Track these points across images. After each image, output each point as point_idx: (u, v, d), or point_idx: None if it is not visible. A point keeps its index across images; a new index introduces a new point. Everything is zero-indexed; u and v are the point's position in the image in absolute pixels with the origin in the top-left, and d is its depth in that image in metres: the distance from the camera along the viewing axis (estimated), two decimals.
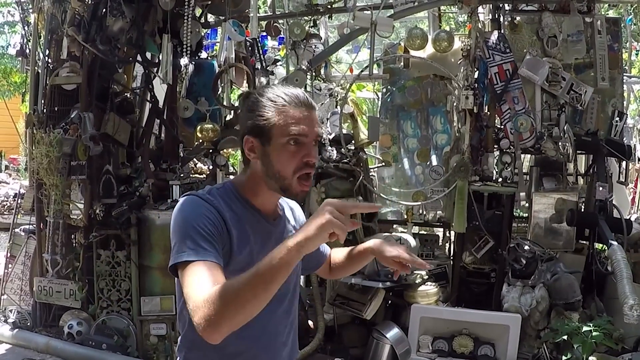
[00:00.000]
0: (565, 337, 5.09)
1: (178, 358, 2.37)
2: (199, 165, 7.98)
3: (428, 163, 7.66)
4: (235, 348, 2.24)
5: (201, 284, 1.92)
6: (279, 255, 1.82)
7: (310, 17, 6.90)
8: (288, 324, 2.41)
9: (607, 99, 6.49)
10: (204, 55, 7.79)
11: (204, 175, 7.47)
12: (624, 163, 6.46)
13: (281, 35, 7.66)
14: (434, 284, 5.97)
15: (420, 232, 7.30)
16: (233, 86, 7.28)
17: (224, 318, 1.84)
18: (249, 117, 2.21)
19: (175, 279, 2.12)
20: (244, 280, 1.84)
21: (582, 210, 6.09)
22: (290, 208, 2.54)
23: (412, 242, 6.17)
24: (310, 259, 2.48)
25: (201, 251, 1.99)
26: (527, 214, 6.47)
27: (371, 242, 2.52)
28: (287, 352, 2.43)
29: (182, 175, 6.54)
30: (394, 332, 5.61)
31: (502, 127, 6.27)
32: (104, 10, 6.29)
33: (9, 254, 7.10)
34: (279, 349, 2.38)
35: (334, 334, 5.98)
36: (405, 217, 6.81)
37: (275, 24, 7.57)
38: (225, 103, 6.73)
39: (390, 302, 6.09)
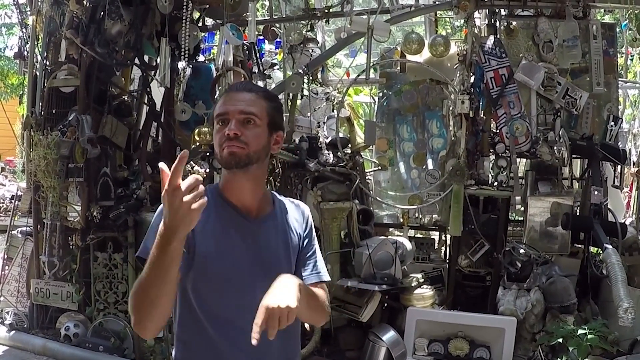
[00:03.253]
0: (560, 340, 5.11)
1: (173, 356, 2.43)
2: (196, 168, 7.97)
3: (424, 167, 7.70)
4: (218, 344, 2.29)
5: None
6: (156, 245, 1.94)
7: (307, 21, 6.92)
8: None
9: (602, 103, 6.52)
10: (201, 58, 7.81)
11: (201, 179, 7.47)
12: (619, 167, 6.46)
13: (278, 39, 7.69)
14: (429, 287, 5.98)
15: (416, 236, 7.33)
16: None
17: (139, 312, 2.02)
18: None
19: None
20: (143, 273, 1.99)
21: (577, 214, 6.12)
22: (299, 211, 2.56)
23: (408, 245, 6.19)
24: (297, 264, 2.50)
25: (147, 249, 2.08)
26: (522, 218, 6.49)
27: None
28: (282, 354, 2.42)
29: None
30: (390, 335, 5.62)
31: (498, 131, 6.30)
32: (102, 13, 6.31)
33: (5, 256, 7.11)
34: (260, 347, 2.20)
35: (330, 336, 5.99)
36: (401, 220, 6.83)
37: (272, 28, 7.60)
38: None
39: (386, 305, 6.10)
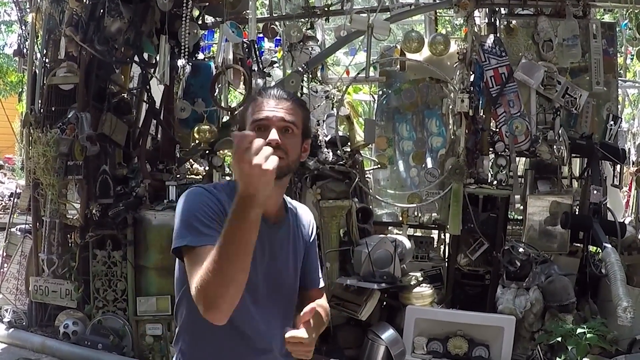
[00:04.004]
0: (559, 339, 5.12)
1: (175, 350, 2.43)
2: (196, 166, 7.98)
3: (423, 165, 7.70)
4: (226, 338, 2.30)
5: (196, 273, 2.00)
6: (234, 214, 1.91)
7: (307, 19, 6.91)
8: (280, 328, 2.39)
9: (602, 102, 6.52)
10: (201, 56, 7.80)
11: (201, 176, 7.47)
12: (618, 166, 6.46)
13: (278, 37, 7.67)
14: (428, 285, 5.98)
15: (416, 234, 7.33)
16: (230, 87, 7.29)
17: (215, 293, 1.93)
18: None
19: (175, 265, 2.27)
20: (216, 250, 1.92)
21: (577, 213, 6.12)
22: (303, 215, 2.58)
23: (407, 244, 6.18)
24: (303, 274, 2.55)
25: (202, 237, 2.08)
26: (521, 217, 6.49)
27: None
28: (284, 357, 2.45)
29: (178, 175, 6.55)
30: (389, 334, 5.62)
31: (498, 130, 6.29)
32: (102, 10, 6.31)
33: (4, 254, 7.10)
34: (274, 352, 2.41)
35: (329, 334, 5.98)
36: (401, 219, 6.83)
37: (272, 26, 7.58)
38: (222, 104, 6.74)
39: (385, 303, 6.10)
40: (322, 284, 2.67)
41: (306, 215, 2.60)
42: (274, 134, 2.23)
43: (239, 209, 1.89)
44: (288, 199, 2.55)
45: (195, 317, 2.27)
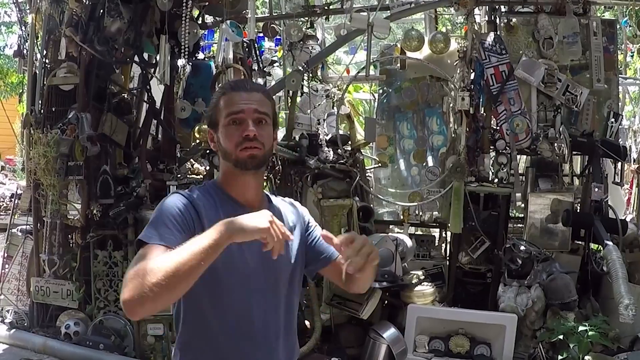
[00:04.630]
0: (561, 337, 5.11)
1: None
2: (196, 165, 7.97)
3: (424, 164, 7.69)
4: (227, 348, 2.28)
5: (139, 262, 2.00)
6: (210, 236, 1.95)
7: (307, 18, 6.91)
8: (281, 322, 2.41)
9: (602, 100, 6.52)
10: (201, 56, 7.80)
11: (201, 176, 7.47)
12: (619, 164, 6.46)
13: (278, 37, 7.68)
14: (430, 284, 5.98)
15: (417, 233, 7.32)
16: None
17: (147, 294, 1.89)
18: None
19: None
20: (173, 256, 1.93)
21: (578, 210, 6.11)
22: (291, 207, 2.57)
23: (409, 242, 6.18)
24: (313, 254, 2.53)
25: (157, 236, 2.09)
26: (523, 215, 6.49)
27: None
28: (284, 351, 2.43)
29: (179, 175, 6.54)
30: (390, 332, 5.61)
31: (498, 128, 6.29)
32: (102, 11, 6.31)
33: (6, 254, 7.10)
34: (273, 346, 2.38)
35: (331, 334, 5.99)
36: (402, 217, 6.83)
37: (272, 25, 7.59)
38: None
39: (386, 302, 6.09)
40: None
41: (291, 205, 2.59)
42: (250, 126, 2.27)
43: (220, 238, 1.95)
44: (269, 193, 2.56)
45: (188, 324, 2.32)
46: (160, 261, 1.93)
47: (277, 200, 2.54)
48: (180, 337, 2.36)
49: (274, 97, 7.12)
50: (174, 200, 2.23)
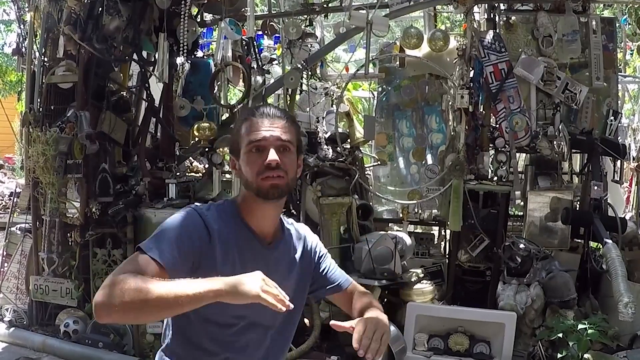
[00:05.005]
0: (560, 335, 5.10)
1: None
2: (195, 163, 7.98)
3: (423, 162, 7.69)
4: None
5: (125, 268, 1.98)
6: (198, 287, 1.91)
7: (306, 16, 6.90)
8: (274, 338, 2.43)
9: (602, 98, 6.52)
10: (200, 54, 7.80)
11: (200, 174, 7.47)
12: (618, 162, 6.47)
13: (277, 34, 7.67)
14: (429, 282, 5.99)
15: (416, 231, 7.33)
16: (229, 85, 7.29)
17: (119, 307, 1.88)
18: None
19: None
20: (156, 289, 1.89)
21: (577, 208, 6.11)
22: (302, 237, 2.55)
23: (408, 240, 6.18)
24: (322, 282, 2.57)
25: (157, 251, 2.05)
26: (522, 213, 6.49)
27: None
28: None
29: (178, 173, 6.54)
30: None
31: (498, 126, 6.29)
32: (100, 9, 6.30)
33: (4, 253, 7.10)
34: None
35: (330, 332, 5.98)
36: (401, 215, 6.83)
37: (271, 23, 7.58)
38: (221, 102, 6.74)
39: (386, 300, 6.08)
40: (351, 280, 2.67)
41: (305, 233, 2.58)
42: (273, 154, 2.23)
43: (206, 295, 1.91)
44: (285, 218, 2.53)
45: (182, 341, 2.33)
46: (142, 286, 1.89)
47: (290, 228, 2.51)
48: (168, 345, 2.37)
49: (272, 95, 7.16)
50: (188, 219, 2.21)
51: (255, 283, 1.92)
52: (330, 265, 2.60)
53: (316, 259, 2.56)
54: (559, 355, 5.06)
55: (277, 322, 2.39)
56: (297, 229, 2.56)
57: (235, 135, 2.35)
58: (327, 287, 2.58)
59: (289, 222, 2.55)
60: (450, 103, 6.68)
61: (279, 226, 2.44)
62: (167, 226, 2.18)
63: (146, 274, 1.96)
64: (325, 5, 6.87)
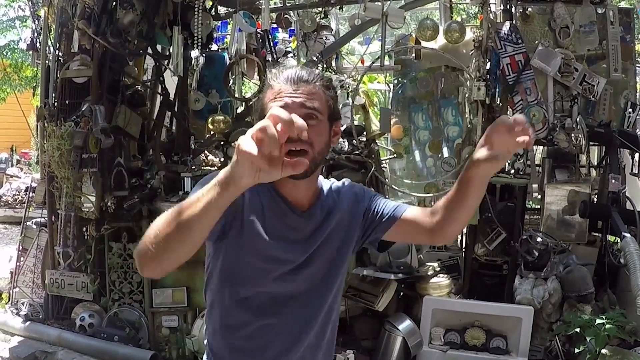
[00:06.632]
0: (577, 330, 5.07)
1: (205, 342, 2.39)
2: (210, 157, 7.97)
3: (440, 155, 7.64)
4: (247, 334, 2.24)
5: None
6: (204, 190, 1.72)
7: (321, 8, 6.88)
8: (315, 319, 2.32)
9: (619, 90, 6.45)
10: (214, 47, 7.79)
11: (216, 168, 7.46)
12: (637, 155, 6.41)
13: (292, 27, 7.65)
14: (446, 276, 5.96)
15: None
16: (244, 78, 7.28)
17: (151, 252, 1.80)
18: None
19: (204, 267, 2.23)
20: (171, 212, 1.79)
21: (595, 202, 6.06)
22: (344, 193, 2.37)
23: None
24: (373, 222, 2.34)
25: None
26: (539, 206, 6.45)
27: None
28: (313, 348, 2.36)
29: (193, 167, 6.54)
30: (406, 324, 5.59)
31: None
32: (115, 2, 6.31)
33: (20, 247, 7.12)
34: (300, 338, 2.30)
35: (346, 326, 5.96)
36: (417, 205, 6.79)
37: (286, 16, 7.57)
38: (236, 95, 6.73)
39: (402, 294, 6.07)
40: (408, 206, 2.38)
41: (346, 188, 2.39)
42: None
43: (212, 190, 1.70)
44: (326, 183, 2.36)
45: (223, 309, 2.26)
46: (159, 219, 1.81)
47: (330, 188, 2.35)
48: (208, 319, 2.34)
49: None
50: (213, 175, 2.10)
51: (243, 141, 1.59)
52: (379, 203, 2.36)
53: (364, 207, 2.35)
54: (576, 350, 5.04)
55: (313, 285, 2.27)
56: (338, 187, 2.38)
57: (261, 102, 2.17)
58: (383, 221, 2.32)
59: (329, 182, 2.39)
60: (466, 95, 6.65)
61: (316, 190, 2.28)
62: (199, 185, 2.01)
63: None
64: None
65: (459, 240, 6.90)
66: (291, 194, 2.20)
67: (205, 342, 2.39)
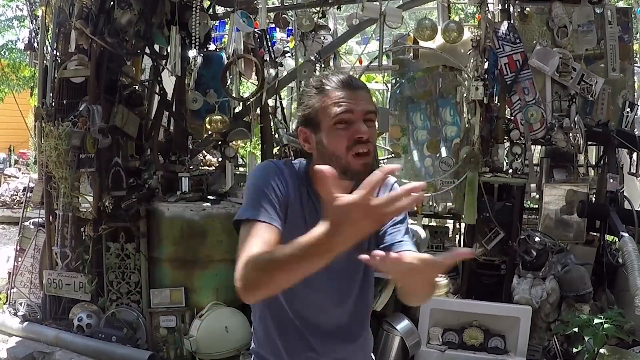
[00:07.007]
0: (576, 330, 5.07)
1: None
2: (208, 157, 7.97)
3: (438, 155, 7.64)
4: (288, 323, 2.33)
5: (250, 244, 1.97)
6: (317, 245, 1.71)
7: (318, 8, 6.87)
8: (344, 310, 2.41)
9: (617, 89, 6.46)
10: (212, 47, 7.78)
11: (213, 168, 7.46)
12: (635, 154, 6.42)
13: (290, 27, 7.64)
14: (444, 275, 5.95)
15: (430, 224, 7.28)
16: (242, 78, 7.27)
17: (257, 284, 1.86)
18: (299, 109, 2.29)
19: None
20: (281, 256, 1.80)
21: (593, 201, 6.06)
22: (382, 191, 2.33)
23: (422, 233, 6.15)
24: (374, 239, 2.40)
25: (261, 212, 2.07)
26: (537, 206, 6.44)
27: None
28: (347, 338, 2.44)
29: (191, 167, 6.53)
30: (404, 324, 5.59)
31: (512, 118, 6.24)
32: (112, 2, 6.29)
33: (18, 247, 7.11)
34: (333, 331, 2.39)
35: None
36: (415, 208, 6.78)
37: (283, 16, 7.55)
38: (234, 95, 6.71)
39: None
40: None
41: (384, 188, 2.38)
42: (364, 127, 2.14)
43: (326, 254, 1.73)
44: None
45: (261, 312, 2.36)
46: (268, 258, 1.85)
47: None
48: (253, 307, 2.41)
49: (285, 88, 7.13)
50: (270, 175, 2.20)
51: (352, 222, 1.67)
52: (397, 226, 2.45)
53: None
54: (575, 350, 5.04)
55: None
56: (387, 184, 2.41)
57: (312, 107, 2.22)
58: (381, 242, 2.41)
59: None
60: (464, 95, 6.64)
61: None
62: (255, 187, 2.19)
63: (268, 238, 2.00)
64: None
65: (457, 240, 6.90)
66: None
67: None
